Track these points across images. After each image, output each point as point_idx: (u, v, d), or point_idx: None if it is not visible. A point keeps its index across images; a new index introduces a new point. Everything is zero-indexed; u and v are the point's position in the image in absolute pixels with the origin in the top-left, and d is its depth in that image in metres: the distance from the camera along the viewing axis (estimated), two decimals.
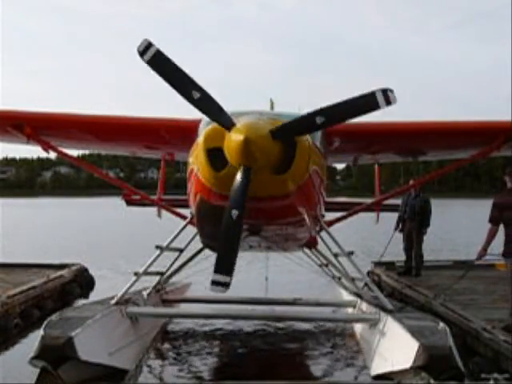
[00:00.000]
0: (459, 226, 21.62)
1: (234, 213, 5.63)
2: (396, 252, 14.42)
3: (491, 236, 7.92)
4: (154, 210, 12.31)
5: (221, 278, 5.79)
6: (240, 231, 5.86)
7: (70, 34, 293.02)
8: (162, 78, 5.78)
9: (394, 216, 13.38)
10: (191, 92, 5.76)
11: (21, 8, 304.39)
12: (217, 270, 5.81)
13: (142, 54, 5.70)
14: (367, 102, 5.73)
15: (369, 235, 25.33)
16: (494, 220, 7.87)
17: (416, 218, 12.70)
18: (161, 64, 5.78)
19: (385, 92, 5.63)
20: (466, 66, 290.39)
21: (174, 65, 5.79)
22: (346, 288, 10.58)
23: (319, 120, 5.75)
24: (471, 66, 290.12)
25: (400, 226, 13.16)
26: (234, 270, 5.85)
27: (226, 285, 5.80)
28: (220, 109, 5.84)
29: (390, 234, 13.47)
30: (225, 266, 5.84)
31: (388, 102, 5.63)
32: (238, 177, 5.63)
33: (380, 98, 5.62)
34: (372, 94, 5.66)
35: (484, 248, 8.00)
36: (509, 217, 7.74)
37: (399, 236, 13.32)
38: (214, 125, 6.23)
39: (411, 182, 12.49)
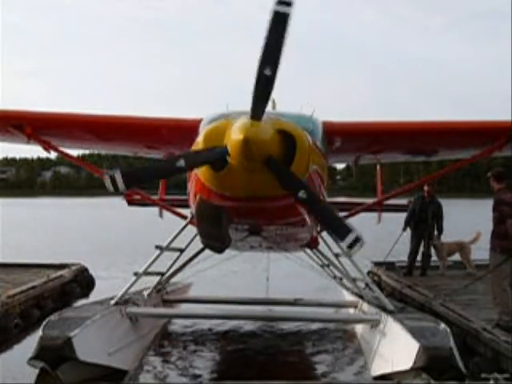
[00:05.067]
0: (459, 226, 21.55)
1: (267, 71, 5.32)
2: (396, 252, 14.42)
3: None
4: (154, 209, 12.31)
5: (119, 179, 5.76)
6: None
7: (70, 33, 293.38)
8: (267, 35, 5.25)
9: (394, 216, 13.38)
10: (267, 66, 5.34)
11: (19, 8, 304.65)
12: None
13: (280, 2, 5.22)
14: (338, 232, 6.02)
15: (369, 235, 25.32)
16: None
17: (430, 223, 12.87)
18: (280, 23, 5.23)
19: (356, 240, 5.81)
20: (466, 66, 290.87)
21: (285, 35, 5.25)
22: (347, 288, 10.57)
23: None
24: (471, 65, 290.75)
25: (410, 228, 13.22)
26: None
27: (117, 188, 5.80)
28: (267, 99, 5.58)
29: (398, 234, 13.59)
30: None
31: (349, 247, 5.84)
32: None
33: (348, 239, 5.84)
34: (346, 231, 5.87)
35: None
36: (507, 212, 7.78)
37: (403, 236, 13.41)
38: (214, 124, 6.22)
39: (426, 188, 12.65)
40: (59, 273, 12.49)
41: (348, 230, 5.89)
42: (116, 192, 5.92)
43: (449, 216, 13.97)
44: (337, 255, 8.88)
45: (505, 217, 7.74)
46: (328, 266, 10.55)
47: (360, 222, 15.94)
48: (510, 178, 8.22)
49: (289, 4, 5.25)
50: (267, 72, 5.38)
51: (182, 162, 5.80)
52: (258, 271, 14.24)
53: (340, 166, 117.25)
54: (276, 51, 5.37)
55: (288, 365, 7.99)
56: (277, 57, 5.38)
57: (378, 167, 13.27)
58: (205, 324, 9.65)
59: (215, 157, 5.79)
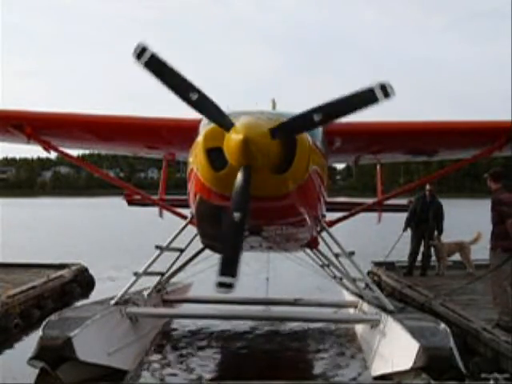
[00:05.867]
0: (459, 226, 21.56)
1: (237, 215, 5.59)
2: (396, 252, 14.42)
3: None
4: (154, 209, 12.31)
5: (226, 279, 5.76)
6: (242, 233, 5.82)
7: (70, 33, 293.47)
8: (159, 81, 5.75)
9: (394, 216, 13.38)
10: (189, 94, 5.73)
11: (19, 8, 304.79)
12: (222, 272, 5.76)
13: (138, 57, 5.62)
14: (365, 97, 5.67)
15: (368, 235, 25.32)
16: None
17: (431, 223, 12.88)
18: (157, 67, 5.71)
19: (383, 86, 5.57)
20: (466, 66, 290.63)
21: (170, 67, 5.74)
22: (347, 288, 10.57)
23: (317, 117, 5.71)
24: (471, 65, 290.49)
25: (411, 228, 13.22)
26: (238, 271, 5.83)
27: (231, 286, 5.78)
28: (218, 110, 5.79)
29: (398, 235, 13.56)
30: (229, 267, 5.79)
31: (386, 95, 5.56)
32: (239, 178, 5.59)
33: (378, 93, 5.56)
34: (370, 89, 5.59)
35: None
36: (509, 213, 7.78)
37: (403, 236, 13.42)
38: (213, 125, 6.22)
39: (428, 187, 12.68)
40: (59, 273, 12.49)
41: (371, 89, 5.62)
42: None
43: (449, 216, 13.99)
44: (337, 255, 8.87)
45: (504, 217, 7.74)
46: (328, 266, 10.55)
47: (360, 222, 16.01)
48: (507, 178, 8.23)
49: (144, 50, 5.61)
50: (194, 97, 5.68)
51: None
52: (258, 271, 14.21)
53: (340, 166, 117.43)
54: (181, 82, 5.73)
55: (288, 365, 8.00)
56: (186, 84, 5.72)
57: (377, 167, 13.25)
58: (205, 324, 9.65)
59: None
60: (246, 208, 5.61)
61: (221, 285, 5.75)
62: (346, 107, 5.78)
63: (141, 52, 5.62)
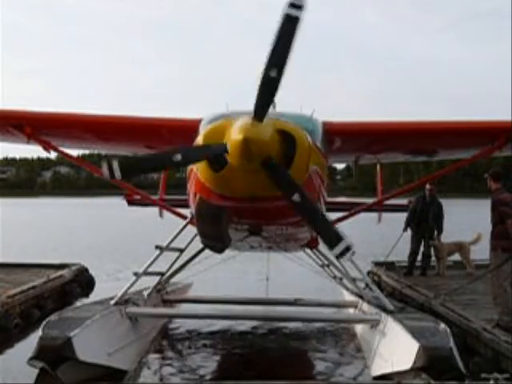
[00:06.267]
0: (459, 226, 21.57)
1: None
2: (396, 252, 14.42)
3: None
4: (154, 209, 12.31)
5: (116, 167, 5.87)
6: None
7: (70, 33, 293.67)
8: (277, 36, 5.32)
9: (394, 216, 13.38)
10: (273, 67, 5.37)
11: (19, 7, 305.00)
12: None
13: (292, 5, 5.25)
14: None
15: (368, 235, 25.32)
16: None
17: (431, 223, 12.90)
18: (291, 26, 5.27)
19: (291, 4, 5.29)
20: (465, 66, 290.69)
21: (294, 38, 5.31)
22: (347, 288, 10.57)
23: (273, 73, 5.42)
24: (471, 65, 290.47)
25: (411, 228, 13.22)
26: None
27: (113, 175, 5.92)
28: (271, 101, 5.61)
29: (398, 234, 13.57)
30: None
31: (299, 7, 5.29)
32: None
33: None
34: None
35: None
36: (507, 213, 7.78)
37: (403, 236, 13.41)
38: (214, 124, 6.22)
39: (428, 187, 12.68)
40: (59, 273, 12.49)
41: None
42: (111, 179, 5.97)
43: (450, 216, 13.99)
44: None
45: (504, 217, 7.74)
46: (328, 266, 10.54)
47: (360, 222, 16.03)
48: (506, 179, 8.23)
49: (300, 7, 5.25)
50: (273, 74, 5.40)
51: (178, 157, 5.79)
52: (258, 271, 14.21)
53: (340, 166, 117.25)
54: (284, 54, 5.39)
55: (288, 365, 7.99)
56: (284, 59, 5.40)
57: (378, 167, 13.26)
58: (205, 324, 9.64)
59: (213, 153, 5.78)
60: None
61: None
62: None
63: (297, 5, 5.28)
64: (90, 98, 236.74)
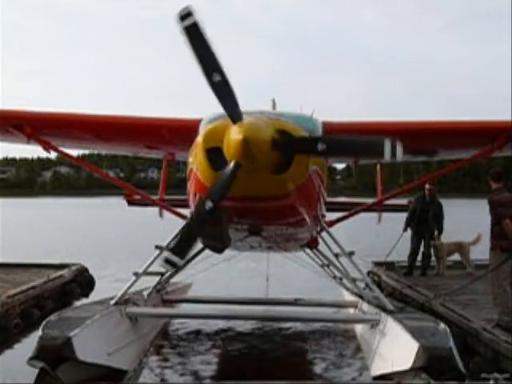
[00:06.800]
0: (459, 226, 21.57)
1: (208, 204, 5.65)
2: (396, 252, 14.41)
3: None
4: (154, 209, 12.30)
5: (173, 258, 5.89)
6: (205, 223, 5.89)
7: (70, 33, 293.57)
8: (191, 50, 5.53)
9: (394, 216, 13.38)
10: (212, 74, 5.52)
11: (19, 7, 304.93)
12: (173, 251, 5.93)
13: (181, 19, 5.40)
14: (373, 148, 5.72)
15: (368, 235, 25.33)
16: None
17: (431, 223, 12.91)
18: (195, 35, 5.48)
19: (393, 145, 5.57)
20: (465, 66, 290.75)
21: (207, 41, 5.53)
22: (347, 288, 10.57)
23: (321, 146, 5.73)
24: (471, 65, 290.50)
25: (411, 228, 13.22)
26: (187, 255, 6.10)
27: (175, 265, 6.04)
28: (234, 100, 5.63)
29: (399, 234, 13.58)
30: (181, 249, 5.97)
31: (393, 155, 5.58)
32: (227, 169, 5.57)
33: (387, 149, 5.57)
34: (380, 143, 5.61)
35: None
36: (502, 213, 7.79)
37: (403, 236, 13.41)
38: (214, 124, 6.22)
39: (427, 186, 12.68)
40: (59, 273, 12.50)
41: (381, 143, 5.68)
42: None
43: (450, 216, 13.98)
44: (337, 255, 8.87)
45: (501, 218, 7.75)
46: (328, 266, 10.54)
47: (360, 222, 16.00)
48: (507, 179, 8.23)
49: (189, 15, 5.36)
50: (217, 78, 5.47)
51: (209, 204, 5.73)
52: (257, 271, 14.22)
53: (340, 166, 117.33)
54: (210, 57, 5.48)
55: (288, 365, 7.99)
56: (214, 61, 5.48)
57: (378, 167, 13.25)
58: (205, 324, 9.65)
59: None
60: (219, 200, 5.66)
61: (167, 261, 5.92)
62: (351, 149, 5.83)
63: (185, 15, 5.42)
64: (89, 98, 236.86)
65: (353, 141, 5.85)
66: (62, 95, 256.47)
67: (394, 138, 5.65)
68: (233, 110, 5.60)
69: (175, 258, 5.88)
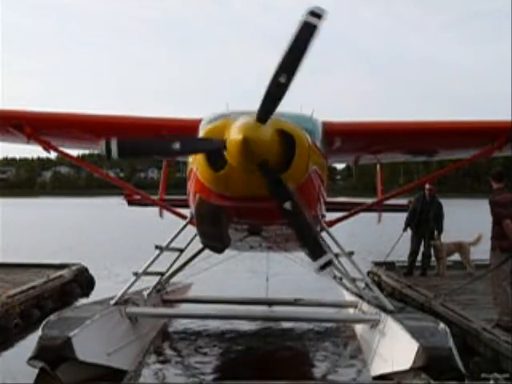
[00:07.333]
0: (459, 226, 21.58)
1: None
2: (396, 252, 14.41)
3: None
4: (154, 209, 12.31)
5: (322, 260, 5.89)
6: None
7: (70, 33, 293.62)
8: (293, 43, 5.45)
9: (394, 216, 13.38)
10: (283, 73, 5.47)
11: (19, 7, 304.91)
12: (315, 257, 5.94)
13: (312, 14, 5.39)
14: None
15: (368, 235, 25.33)
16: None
17: (431, 223, 12.90)
18: (307, 34, 5.42)
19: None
20: (465, 66, 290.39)
21: (308, 46, 5.47)
22: (347, 288, 10.57)
23: (282, 79, 5.51)
24: (471, 65, 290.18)
25: (411, 228, 13.22)
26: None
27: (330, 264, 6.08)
28: (275, 105, 5.59)
29: (399, 234, 13.57)
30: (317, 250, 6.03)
31: (319, 17, 5.46)
32: None
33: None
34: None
35: None
36: (502, 214, 7.79)
37: (403, 236, 13.43)
38: (214, 124, 6.23)
39: (427, 186, 12.69)
40: (59, 273, 12.49)
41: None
42: (108, 159, 6.00)
43: (450, 216, 13.98)
44: (337, 255, 8.87)
45: (500, 218, 7.75)
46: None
47: (360, 222, 16.00)
48: (509, 179, 8.22)
49: (319, 16, 5.37)
50: (282, 79, 5.43)
51: (177, 146, 5.81)
52: (257, 271, 14.22)
53: (340, 166, 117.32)
54: (296, 60, 5.45)
55: (288, 365, 8.00)
56: (295, 66, 5.46)
57: (378, 167, 13.26)
58: (205, 324, 9.65)
59: (211, 147, 5.80)
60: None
61: (321, 268, 5.91)
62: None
63: (316, 14, 5.43)
64: (89, 98, 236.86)
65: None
66: (62, 95, 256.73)
67: (330, 260, 6.05)
68: (265, 113, 5.56)
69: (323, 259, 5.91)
